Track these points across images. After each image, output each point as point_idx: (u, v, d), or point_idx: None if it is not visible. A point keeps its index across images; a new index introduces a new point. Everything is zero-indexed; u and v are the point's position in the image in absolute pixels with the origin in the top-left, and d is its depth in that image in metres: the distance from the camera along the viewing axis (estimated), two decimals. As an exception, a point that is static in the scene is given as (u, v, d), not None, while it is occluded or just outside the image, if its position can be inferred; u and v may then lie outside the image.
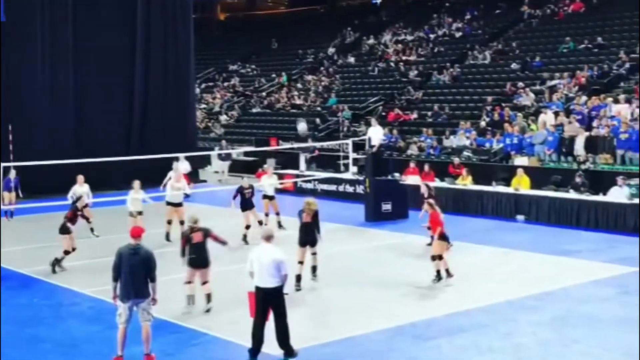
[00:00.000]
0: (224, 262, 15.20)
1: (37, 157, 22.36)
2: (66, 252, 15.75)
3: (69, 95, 27.90)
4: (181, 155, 24.31)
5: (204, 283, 12.64)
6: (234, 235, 16.58)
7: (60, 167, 21.27)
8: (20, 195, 21.93)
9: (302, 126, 28.04)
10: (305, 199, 14.43)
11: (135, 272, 10.15)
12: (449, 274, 14.37)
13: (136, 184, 18.36)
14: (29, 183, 24.14)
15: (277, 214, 19.92)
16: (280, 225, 19.48)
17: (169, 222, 18.84)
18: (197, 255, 12.59)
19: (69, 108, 27.90)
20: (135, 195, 18.22)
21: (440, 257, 14.40)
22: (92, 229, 19.12)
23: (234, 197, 18.56)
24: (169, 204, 19.12)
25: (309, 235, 14.14)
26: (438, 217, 14.81)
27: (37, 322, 12.34)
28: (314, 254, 14.34)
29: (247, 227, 18.38)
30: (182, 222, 18.36)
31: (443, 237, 14.49)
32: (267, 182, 20.33)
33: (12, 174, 21.94)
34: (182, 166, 24.82)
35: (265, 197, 20.12)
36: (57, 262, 15.68)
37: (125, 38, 29.35)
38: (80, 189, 19.11)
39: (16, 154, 24.64)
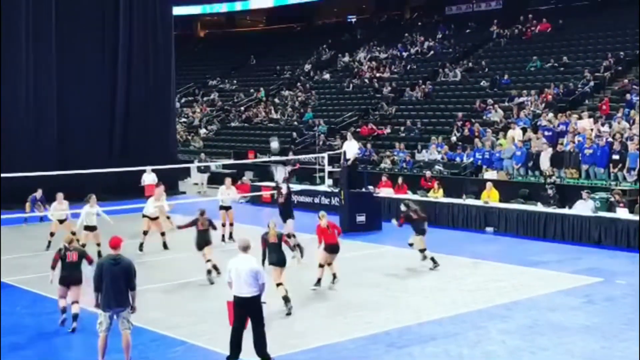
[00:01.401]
0: (201, 271, 15.15)
1: (20, 168, 22.22)
2: None
3: (51, 108, 27.63)
4: (148, 167, 24.21)
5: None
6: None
7: (43, 178, 21.12)
8: (45, 210, 21.60)
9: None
10: (269, 223, 13.97)
11: (116, 282, 10.06)
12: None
13: (92, 198, 17.66)
14: (13, 194, 23.90)
15: (231, 224, 19.92)
16: (230, 236, 19.54)
17: (223, 225, 19.43)
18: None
19: (51, 121, 27.65)
20: (90, 210, 17.54)
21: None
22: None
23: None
24: (222, 207, 19.83)
25: (279, 254, 13.56)
26: None
27: (19, 331, 12.16)
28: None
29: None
30: (231, 224, 19.60)
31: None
32: (226, 194, 20.37)
33: (39, 193, 22.00)
34: (149, 177, 24.72)
35: (222, 207, 20.10)
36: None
37: (107, 53, 29.16)
38: (59, 206, 18.82)
39: (2, 166, 24.35)
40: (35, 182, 21.69)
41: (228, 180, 21.42)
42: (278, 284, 13.04)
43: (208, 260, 15.31)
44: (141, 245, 18.39)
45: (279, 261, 13.30)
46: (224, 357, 10.31)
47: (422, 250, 16.69)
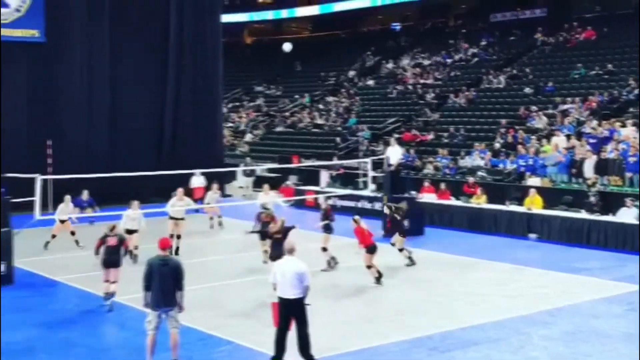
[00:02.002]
0: (243, 273, 15.27)
1: (73, 170, 22.62)
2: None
3: (104, 112, 28.13)
4: (197, 170, 24.48)
5: None
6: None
7: (94, 180, 21.46)
8: (94, 212, 21.93)
9: (287, 46, 26.74)
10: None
11: (164, 282, 10.17)
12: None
13: (134, 204, 17.74)
14: (65, 195, 24.35)
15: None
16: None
17: (171, 236, 18.22)
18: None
19: (104, 125, 28.12)
20: (131, 214, 17.64)
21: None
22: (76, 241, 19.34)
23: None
24: (171, 218, 18.91)
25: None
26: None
27: (70, 327, 12.38)
28: None
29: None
30: (178, 237, 18.48)
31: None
32: (266, 198, 20.44)
33: (85, 195, 22.28)
34: (197, 180, 25.15)
35: (171, 218, 19.23)
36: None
37: (157, 60, 29.51)
38: (66, 208, 19.37)
39: (54, 168, 24.84)
40: (88, 183, 22.05)
41: (266, 186, 21.83)
42: None
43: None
44: (177, 249, 18.32)
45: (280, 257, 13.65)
46: (269, 357, 10.36)
47: (401, 250, 17.22)
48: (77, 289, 15.07)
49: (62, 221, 19.26)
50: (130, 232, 17.15)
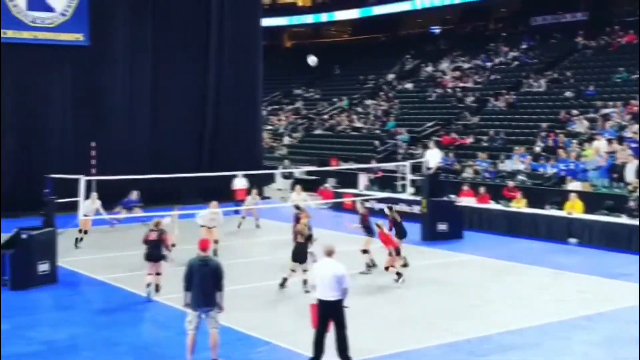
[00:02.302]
0: (282, 274, 15.32)
1: (116, 172, 22.94)
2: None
3: (145, 115, 28.47)
4: (239, 172, 24.68)
5: None
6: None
7: (136, 181, 21.78)
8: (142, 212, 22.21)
9: (312, 59, 26.67)
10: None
11: (204, 282, 10.27)
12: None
13: (213, 204, 18.35)
14: (108, 196, 24.72)
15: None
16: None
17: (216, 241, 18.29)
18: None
19: (146, 127, 28.46)
20: (210, 215, 18.18)
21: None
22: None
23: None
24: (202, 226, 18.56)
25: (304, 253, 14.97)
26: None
27: (112, 326, 12.56)
28: (304, 270, 14.73)
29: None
30: (215, 241, 18.24)
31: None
32: (298, 199, 20.26)
33: (135, 195, 22.71)
34: (240, 182, 25.42)
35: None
36: None
37: (199, 63, 29.77)
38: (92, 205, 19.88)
39: (98, 169, 25.19)
40: (130, 184, 22.38)
41: (298, 187, 22.23)
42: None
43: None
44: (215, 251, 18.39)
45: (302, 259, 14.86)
46: (307, 358, 10.40)
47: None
48: (119, 288, 15.28)
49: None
50: (209, 228, 17.79)
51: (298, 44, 60.65)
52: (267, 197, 30.30)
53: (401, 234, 16.93)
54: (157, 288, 14.05)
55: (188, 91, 29.38)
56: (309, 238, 15.42)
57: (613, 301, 14.28)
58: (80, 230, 19.66)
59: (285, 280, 15.09)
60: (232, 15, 30.55)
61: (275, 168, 33.54)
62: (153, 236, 14.20)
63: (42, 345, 11.44)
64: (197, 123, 29.81)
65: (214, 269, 10.36)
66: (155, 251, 14.09)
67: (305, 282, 14.63)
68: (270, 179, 33.00)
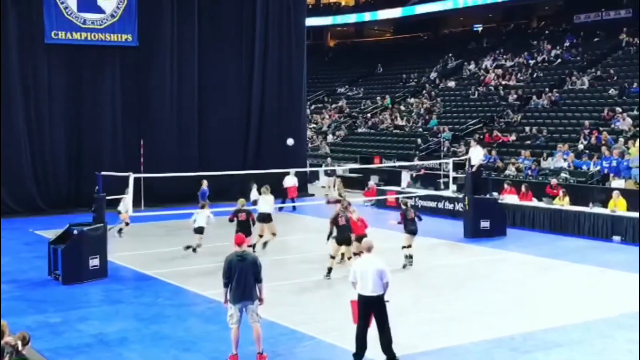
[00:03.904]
0: (320, 272, 15.31)
1: (163, 169, 23.22)
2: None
3: (193, 113, 28.68)
4: (291, 170, 24.75)
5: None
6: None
7: (184, 179, 21.97)
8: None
9: (290, 141, 26.88)
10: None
11: (243, 277, 10.25)
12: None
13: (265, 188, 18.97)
14: (156, 193, 25.03)
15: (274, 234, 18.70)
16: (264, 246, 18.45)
17: (260, 236, 18.38)
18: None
19: (193, 125, 28.67)
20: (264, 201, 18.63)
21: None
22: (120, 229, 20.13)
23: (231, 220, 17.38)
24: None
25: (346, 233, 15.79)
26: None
27: (161, 320, 12.67)
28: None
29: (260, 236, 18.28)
30: (274, 234, 18.42)
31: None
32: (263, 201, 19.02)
33: (205, 184, 22.90)
34: (291, 180, 25.46)
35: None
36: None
37: (244, 63, 29.86)
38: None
39: (146, 167, 25.49)
40: (178, 182, 22.62)
41: (331, 180, 21.98)
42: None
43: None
44: (264, 244, 18.44)
45: (345, 240, 15.69)
46: (351, 353, 10.37)
47: (406, 247, 16.79)
48: (167, 283, 15.41)
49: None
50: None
51: (341, 43, 60.60)
52: (312, 195, 30.35)
53: (409, 229, 16.80)
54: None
55: (233, 90, 29.52)
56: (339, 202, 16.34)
57: (658, 299, 13.96)
58: (124, 223, 20.13)
59: (330, 270, 15.16)
60: (276, 15, 30.61)
61: (319, 166, 33.55)
62: (243, 217, 16.87)
63: (93, 338, 11.58)
64: (243, 123, 29.92)
65: (251, 262, 10.35)
66: (246, 229, 16.17)
67: (348, 258, 15.09)
68: (314, 176, 33.06)
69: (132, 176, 17.59)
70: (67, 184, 26.25)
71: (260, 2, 29.99)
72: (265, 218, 18.32)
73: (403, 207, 17.25)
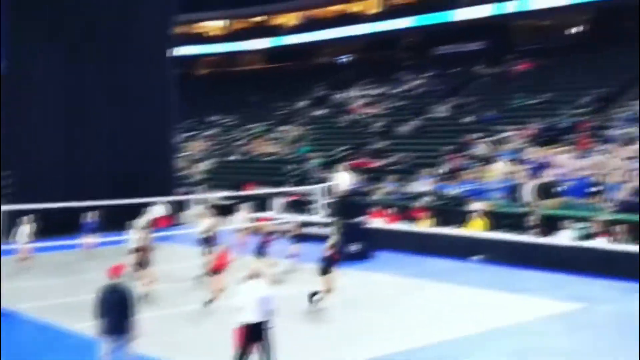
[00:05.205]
0: (200, 300, 15.07)
1: (29, 199, 22.21)
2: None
3: (59, 142, 27.72)
4: (158, 199, 24.22)
5: None
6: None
7: (51, 210, 21.08)
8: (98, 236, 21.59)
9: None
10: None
11: (116, 309, 9.95)
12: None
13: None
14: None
15: None
16: None
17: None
18: None
19: (60, 154, 27.70)
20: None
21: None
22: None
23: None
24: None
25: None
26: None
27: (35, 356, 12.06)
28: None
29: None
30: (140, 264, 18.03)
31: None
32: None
33: (89, 217, 21.98)
34: (159, 210, 24.78)
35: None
36: None
37: (114, 91, 29.19)
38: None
39: (16, 197, 24.31)
40: (44, 214, 21.72)
41: (206, 212, 21.75)
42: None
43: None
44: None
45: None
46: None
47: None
48: (37, 318, 14.68)
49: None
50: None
51: (214, 71, 60.39)
52: (183, 223, 29.84)
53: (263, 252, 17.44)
54: None
55: (102, 120, 28.75)
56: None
57: (517, 315, 14.59)
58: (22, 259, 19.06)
59: (211, 300, 15.00)
60: (148, 42, 30.16)
61: (190, 194, 33.09)
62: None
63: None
64: (112, 151, 29.14)
65: (123, 295, 10.06)
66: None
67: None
68: (186, 205, 32.55)
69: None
70: None
71: (132, 29, 29.47)
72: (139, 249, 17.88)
73: (266, 232, 17.42)
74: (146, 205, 24.13)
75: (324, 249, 15.58)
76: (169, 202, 25.62)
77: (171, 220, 24.69)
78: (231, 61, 59.84)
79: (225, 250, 16.00)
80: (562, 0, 36.92)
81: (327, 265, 15.30)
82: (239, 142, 43.39)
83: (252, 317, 10.10)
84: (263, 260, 17.12)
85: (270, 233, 17.77)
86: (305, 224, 25.44)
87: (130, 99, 29.53)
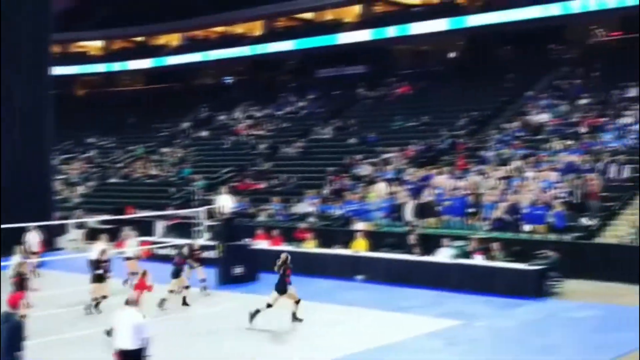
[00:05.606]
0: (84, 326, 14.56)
1: None
2: None
3: None
4: (31, 224, 23.20)
5: None
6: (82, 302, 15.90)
7: None
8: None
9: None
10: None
11: (5, 338, 9.46)
12: None
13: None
14: None
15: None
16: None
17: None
18: None
19: None
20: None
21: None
22: None
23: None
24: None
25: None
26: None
27: None
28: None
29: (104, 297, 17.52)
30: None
31: None
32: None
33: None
34: (33, 236, 23.63)
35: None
36: None
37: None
38: None
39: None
40: None
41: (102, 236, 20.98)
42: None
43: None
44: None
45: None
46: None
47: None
48: None
49: None
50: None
51: (91, 92, 58.82)
52: (60, 249, 28.78)
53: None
54: None
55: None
56: None
57: (398, 333, 14.83)
58: None
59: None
60: (23, 61, 29.03)
61: (67, 218, 31.97)
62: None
63: None
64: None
65: (12, 327, 9.55)
66: None
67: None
68: (62, 229, 31.39)
69: None
70: None
71: (6, 47, 28.32)
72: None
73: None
74: (23, 230, 23.13)
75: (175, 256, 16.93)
76: (44, 226, 24.52)
77: (45, 246, 23.62)
78: (111, 81, 58.50)
79: (146, 274, 15.65)
80: (439, 26, 38.20)
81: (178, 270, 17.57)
82: (119, 165, 42.37)
83: (128, 344, 9.86)
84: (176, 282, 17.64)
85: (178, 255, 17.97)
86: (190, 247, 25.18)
87: (5, 118, 28.28)
